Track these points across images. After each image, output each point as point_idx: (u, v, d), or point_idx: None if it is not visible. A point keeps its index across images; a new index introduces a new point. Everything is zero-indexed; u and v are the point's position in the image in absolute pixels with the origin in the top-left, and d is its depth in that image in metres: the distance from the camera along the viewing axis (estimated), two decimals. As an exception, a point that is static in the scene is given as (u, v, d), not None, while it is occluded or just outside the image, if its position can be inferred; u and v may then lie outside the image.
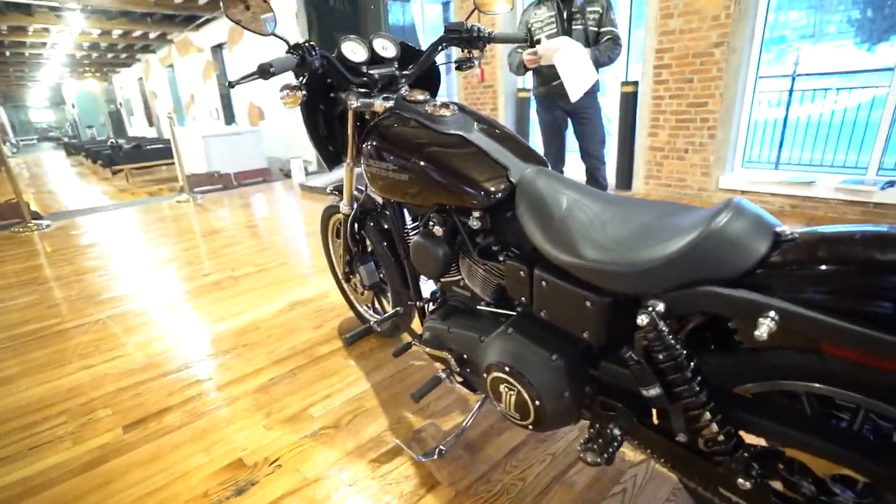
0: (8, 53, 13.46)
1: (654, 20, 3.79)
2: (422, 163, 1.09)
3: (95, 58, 14.80)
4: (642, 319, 0.76)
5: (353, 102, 1.29)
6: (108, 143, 10.71)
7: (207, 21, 9.42)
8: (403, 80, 1.37)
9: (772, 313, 0.64)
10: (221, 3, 1.03)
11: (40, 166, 12.70)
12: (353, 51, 1.30)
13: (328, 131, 1.47)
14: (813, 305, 0.62)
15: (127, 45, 12.58)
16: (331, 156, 1.49)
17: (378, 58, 1.34)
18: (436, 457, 1.28)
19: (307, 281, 2.73)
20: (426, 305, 1.43)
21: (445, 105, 1.18)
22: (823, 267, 0.63)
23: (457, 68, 1.48)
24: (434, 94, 1.56)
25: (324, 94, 1.39)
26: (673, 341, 0.76)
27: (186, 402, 1.68)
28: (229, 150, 6.64)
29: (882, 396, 0.65)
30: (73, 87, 23.16)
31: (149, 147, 8.96)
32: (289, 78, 1.19)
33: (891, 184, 3.10)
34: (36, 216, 4.75)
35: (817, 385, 0.71)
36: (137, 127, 19.00)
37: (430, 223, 1.18)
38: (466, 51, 1.43)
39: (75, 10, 8.31)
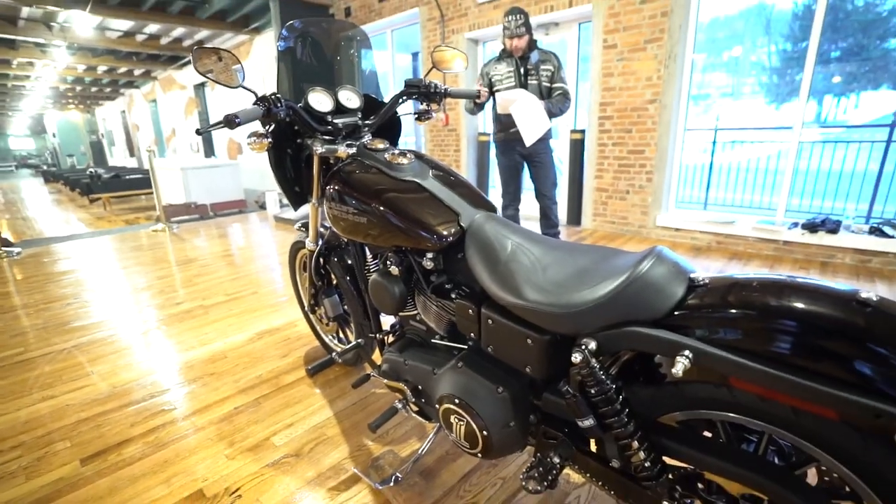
0: (-10, 84, 12.85)
1: (597, 77, 4.02)
2: (380, 207, 1.10)
3: (79, 91, 14.34)
4: (576, 357, 0.78)
5: (319, 148, 1.30)
6: (88, 172, 10.28)
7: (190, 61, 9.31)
8: (366, 129, 1.40)
9: (686, 352, 0.67)
10: (192, 56, 1.03)
11: (16, 192, 11.98)
12: (319, 101, 1.31)
13: (295, 173, 1.46)
14: (721, 345, 0.66)
15: (111, 80, 12.27)
16: (296, 196, 1.48)
17: (343, 108, 1.37)
18: (392, 484, 1.25)
19: (277, 310, 2.65)
20: (386, 338, 1.42)
21: (403, 153, 1.21)
22: (730, 311, 0.67)
23: (416, 119, 1.52)
24: (394, 142, 1.60)
25: (291, 139, 1.40)
26: (604, 377, 0.79)
27: (149, 432, 1.58)
28: (207, 182, 6.49)
29: (782, 425, 0.69)
30: (54, 117, 22.26)
31: (128, 177, 8.65)
32: (257, 125, 1.20)
33: (795, 224, 3.34)
34: (6, 243, 4.45)
35: (730, 415, 0.75)
36: (118, 157, 18.35)
37: (388, 262, 1.19)
38: (425, 104, 1.47)
39: (61, 46, 8.08)
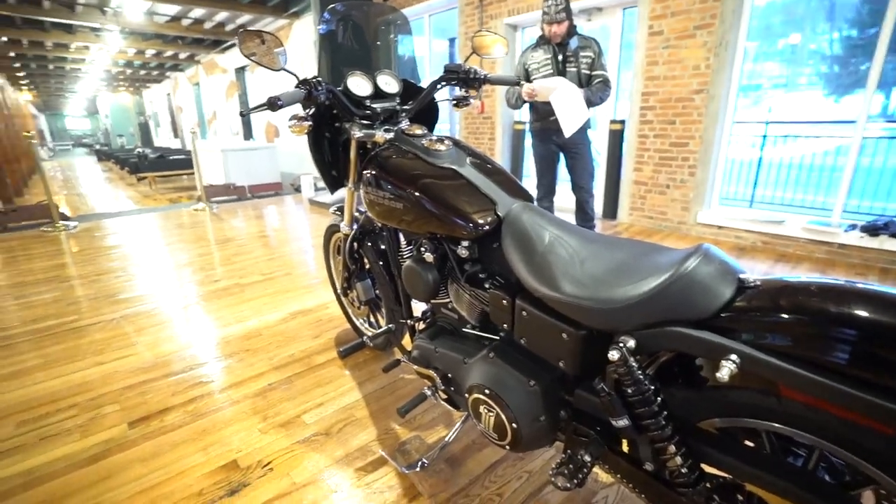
0: (51, 67, 13.60)
1: (640, 66, 3.85)
2: (416, 193, 1.10)
3: (129, 74, 14.97)
4: (613, 354, 0.76)
5: (356, 133, 1.31)
6: (136, 152, 10.76)
7: (233, 45, 9.55)
8: (404, 114, 1.39)
9: (733, 356, 0.64)
10: (237, 38, 1.05)
11: (73, 170, 12.72)
12: (359, 85, 1.31)
13: (332, 156, 1.48)
14: (772, 351, 0.62)
15: (159, 63, 12.73)
16: (333, 180, 1.50)
17: (381, 92, 1.36)
18: (418, 469, 1.26)
19: (310, 292, 2.72)
20: (416, 324, 1.43)
21: (441, 140, 1.19)
22: (783, 315, 0.63)
23: (454, 105, 1.50)
24: (431, 128, 1.58)
25: (329, 123, 1.41)
26: (642, 376, 0.76)
27: (189, 402, 1.66)
28: (246, 164, 6.68)
29: (834, 440, 0.65)
30: (107, 99, 23.38)
31: (172, 157, 9.00)
32: (298, 108, 1.21)
33: (853, 227, 3.13)
34: (64, 217, 4.74)
35: (776, 425, 0.71)
36: (163, 138, 19.12)
37: (422, 249, 1.19)
38: (464, 90, 1.45)
39: (114, 30, 8.42)
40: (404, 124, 1.34)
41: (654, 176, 3.99)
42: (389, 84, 1.39)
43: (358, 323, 2.04)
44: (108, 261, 3.46)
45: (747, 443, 0.81)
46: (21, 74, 14.98)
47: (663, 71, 3.73)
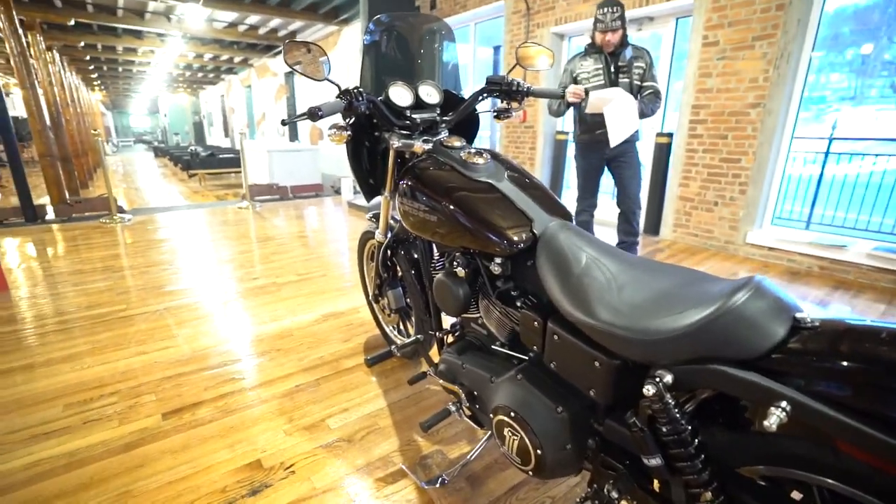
0: (120, 69, 14.66)
1: (692, 77, 3.70)
2: (450, 206, 1.09)
3: (188, 76, 15.91)
4: (648, 389, 0.71)
5: (395, 143, 1.31)
6: (188, 150, 11.36)
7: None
8: (444, 125, 1.38)
9: (783, 403, 0.58)
10: (283, 48, 1.08)
11: (132, 165, 13.60)
12: (399, 95, 1.32)
13: (370, 164, 1.49)
14: (829, 400, 0.57)
15: (215, 66, 13.43)
16: (370, 187, 1.51)
17: (422, 103, 1.36)
18: (438, 485, 1.24)
19: (343, 294, 2.76)
20: (445, 337, 1.41)
21: (479, 153, 1.18)
22: (844, 362, 0.57)
23: (496, 117, 1.48)
24: (472, 139, 1.57)
25: (369, 131, 1.42)
26: (678, 415, 0.71)
27: (220, 397, 1.72)
28: (290, 165, 6.91)
29: None
30: (167, 100, 24.91)
31: (221, 156, 9.45)
32: (338, 117, 1.23)
33: (927, 255, 2.86)
34: (121, 210, 5.06)
35: (829, 481, 0.64)
36: (215, 137, 20.12)
37: (455, 263, 1.17)
38: (505, 102, 1.43)
39: (177, 36, 8.98)
40: (443, 135, 1.33)
41: (702, 192, 3.81)
42: (430, 95, 1.39)
43: (388, 330, 2.05)
44: (157, 253, 3.65)
45: (795, 495, 0.74)
46: (94, 76, 16.21)
47: (717, 83, 3.56)
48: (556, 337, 0.91)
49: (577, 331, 0.86)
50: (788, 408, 0.58)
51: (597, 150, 2.75)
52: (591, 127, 2.69)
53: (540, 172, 5.12)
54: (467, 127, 1.53)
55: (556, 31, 4.70)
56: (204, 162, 9.22)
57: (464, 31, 6.07)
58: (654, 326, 0.72)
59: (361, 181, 1.49)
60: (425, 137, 1.31)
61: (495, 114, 1.47)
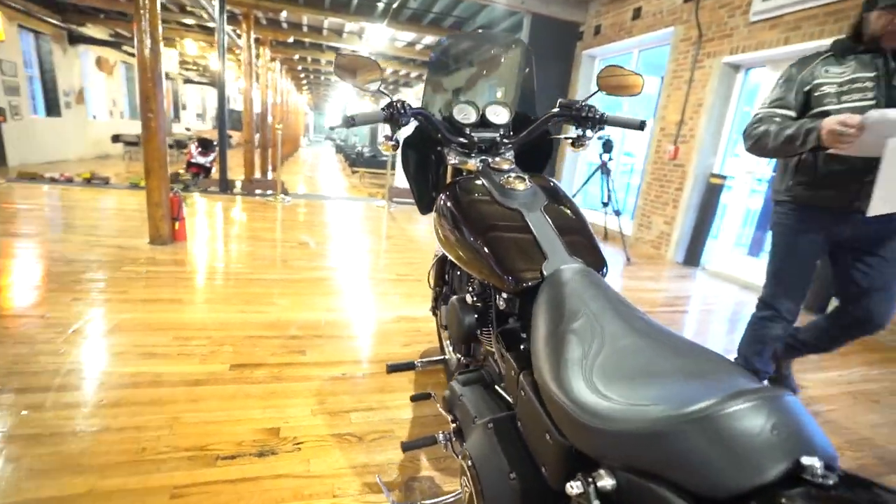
0: (322, 78, 17.66)
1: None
2: (467, 230, 1.05)
3: (373, 87, 18.37)
4: (572, 487, 0.58)
5: (452, 159, 1.32)
6: (355, 150, 13.01)
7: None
8: (509, 146, 1.34)
9: None
10: (334, 62, 1.17)
11: (317, 158, 16.17)
12: (464, 113, 1.32)
13: (434, 178, 1.52)
14: None
15: (394, 80, 15.18)
16: (427, 201, 1.53)
17: (487, 122, 1.34)
18: (409, 512, 1.20)
19: (425, 302, 2.84)
20: (468, 363, 1.35)
21: (523, 178, 1.11)
22: None
23: (571, 144, 1.38)
24: (542, 165, 1.49)
25: (432, 146, 1.45)
26: None
27: (278, 365, 1.93)
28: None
29: None
30: (353, 105, 29.07)
31: (382, 158, 10.59)
32: (404, 130, 1.28)
33: None
34: (285, 192, 6.06)
35: None
36: (385, 142, 22.74)
37: (471, 289, 1.12)
38: (580, 130, 1.32)
39: (366, 52, 10.46)
40: (499, 158, 1.29)
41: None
42: (499, 115, 1.37)
43: (445, 343, 2.05)
44: (293, 232, 4.27)
45: None
46: (304, 82, 19.86)
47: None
48: (523, 393, 0.81)
49: (540, 394, 0.75)
50: None
51: (828, 222, 1.62)
52: (829, 180, 1.56)
53: (681, 219, 4.54)
54: (538, 152, 1.45)
55: (730, 62, 4.14)
56: (366, 161, 10.49)
57: (625, 58, 5.76)
58: (607, 412, 0.58)
59: (419, 193, 1.53)
60: (483, 157, 1.29)
61: (571, 141, 1.37)
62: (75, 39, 8.92)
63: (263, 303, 2.56)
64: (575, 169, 6.71)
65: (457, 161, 1.31)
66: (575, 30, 6.31)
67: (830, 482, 0.43)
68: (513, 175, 1.12)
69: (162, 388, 1.68)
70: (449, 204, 1.17)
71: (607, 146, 4.53)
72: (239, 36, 7.72)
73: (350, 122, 1.11)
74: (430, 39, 8.96)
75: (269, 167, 9.29)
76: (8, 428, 1.40)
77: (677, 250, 4.61)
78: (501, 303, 0.99)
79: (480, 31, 1.59)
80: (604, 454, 0.58)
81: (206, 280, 2.83)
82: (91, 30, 9.22)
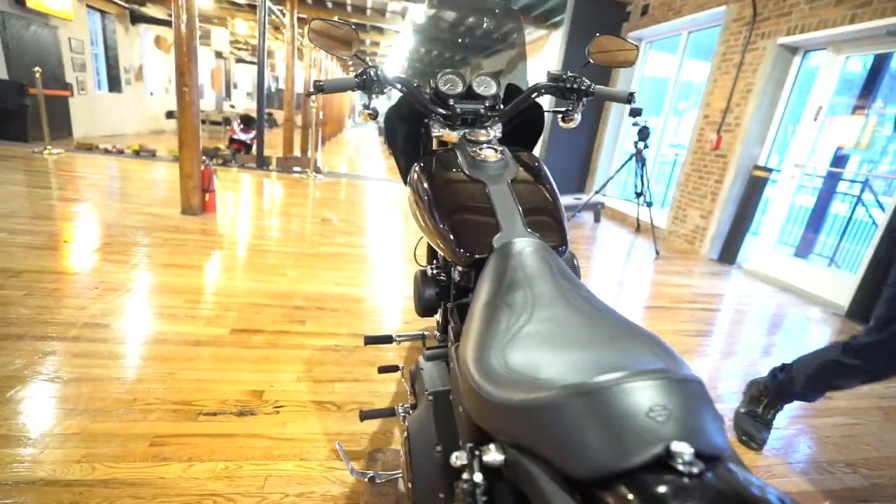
0: (368, 59, 17.88)
1: None
2: (428, 201, 1.02)
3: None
4: (455, 459, 0.56)
5: (435, 131, 1.29)
6: (396, 133, 13.12)
7: (497, 51, 10.54)
8: (493, 119, 1.29)
9: None
10: (308, 28, 1.16)
11: (361, 140, 16.44)
12: (450, 83, 1.28)
13: (423, 152, 1.49)
14: None
15: (438, 62, 15.15)
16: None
17: (474, 93, 1.30)
18: (365, 479, 1.20)
19: (433, 281, 2.84)
20: (438, 339, 1.34)
21: (496, 150, 1.07)
22: None
23: (560, 119, 1.31)
24: (534, 140, 1.43)
25: (419, 117, 1.42)
26: None
27: (276, 333, 1.99)
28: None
29: None
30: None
31: (418, 142, 10.63)
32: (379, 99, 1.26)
33: None
34: (318, 170, 6.20)
35: None
36: (428, 126, 22.81)
37: (434, 261, 1.10)
38: (570, 103, 1.25)
39: (408, 32, 10.42)
40: (495, 129, 1.25)
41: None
42: (487, 87, 1.32)
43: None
44: (324, 208, 4.37)
45: None
46: (350, 63, 20.11)
47: None
48: (452, 364, 0.79)
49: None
50: None
51: None
52: None
53: (720, 212, 4.27)
54: (528, 127, 1.39)
55: (787, 43, 3.80)
56: (402, 144, 10.53)
57: (673, 41, 5.42)
58: (499, 383, 0.56)
59: (406, 168, 1.51)
60: (466, 129, 1.25)
61: (560, 116, 1.31)
62: (136, 19, 9.44)
63: (275, 273, 2.65)
64: (613, 156, 6.44)
65: (440, 133, 1.28)
66: (621, 10, 5.98)
67: (695, 470, 0.38)
68: (486, 146, 1.08)
69: (165, 346, 1.77)
70: (417, 176, 1.15)
71: (643, 133, 4.29)
72: (283, 14, 7.89)
73: (319, 87, 1.10)
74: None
75: (314, 144, 9.54)
76: (20, 370, 1.53)
77: (712, 246, 4.34)
78: (457, 276, 0.97)
79: None
80: (494, 427, 0.56)
81: (225, 249, 2.96)
82: (151, 9, 9.71)
